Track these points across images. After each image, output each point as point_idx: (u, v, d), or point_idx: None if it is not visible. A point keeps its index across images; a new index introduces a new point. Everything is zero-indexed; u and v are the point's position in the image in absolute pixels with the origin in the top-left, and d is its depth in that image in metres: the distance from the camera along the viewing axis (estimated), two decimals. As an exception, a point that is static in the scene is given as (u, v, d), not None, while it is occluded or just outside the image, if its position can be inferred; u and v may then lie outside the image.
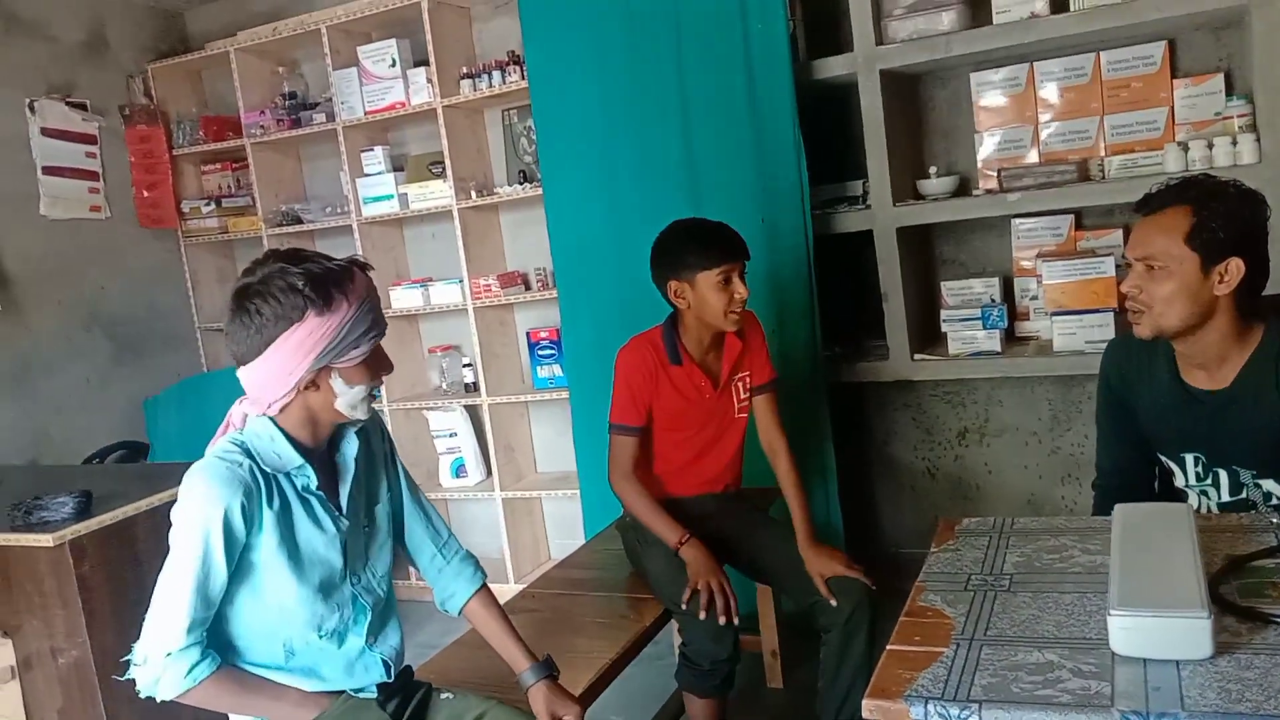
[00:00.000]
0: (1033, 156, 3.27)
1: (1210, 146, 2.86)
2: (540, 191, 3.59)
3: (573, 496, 3.77)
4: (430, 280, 4.01)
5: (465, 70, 3.78)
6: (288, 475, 1.63)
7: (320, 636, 1.68)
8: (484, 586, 1.96)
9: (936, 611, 1.51)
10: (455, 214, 3.82)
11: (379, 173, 3.96)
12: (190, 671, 1.54)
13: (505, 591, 3.08)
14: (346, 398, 1.63)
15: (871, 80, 3.14)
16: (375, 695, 1.73)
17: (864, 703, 1.30)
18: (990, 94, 3.31)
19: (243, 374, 1.60)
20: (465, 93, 3.75)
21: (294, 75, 4.21)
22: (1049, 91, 3.24)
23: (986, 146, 3.34)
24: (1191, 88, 3.05)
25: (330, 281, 1.56)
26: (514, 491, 3.98)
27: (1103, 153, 3.17)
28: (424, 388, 4.26)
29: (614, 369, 2.52)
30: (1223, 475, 1.89)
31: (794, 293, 3.20)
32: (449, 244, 3.94)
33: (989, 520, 1.84)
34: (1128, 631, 1.29)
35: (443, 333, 4.22)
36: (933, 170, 3.32)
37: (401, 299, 4.01)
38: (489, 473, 4.04)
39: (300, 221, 4.17)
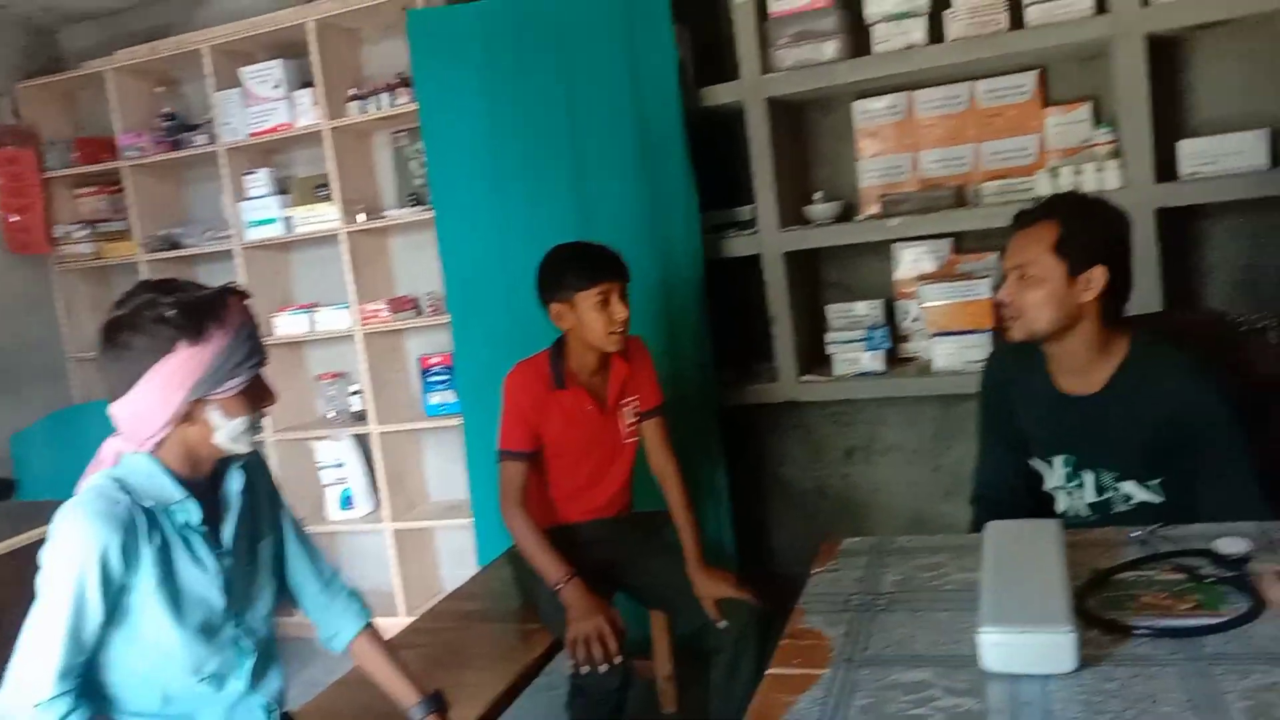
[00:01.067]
0: (913, 183, 3.36)
1: (1078, 172, 2.98)
2: (431, 215, 3.55)
3: (466, 526, 3.70)
4: (316, 306, 3.92)
5: (353, 92, 3.72)
6: (168, 511, 1.57)
7: (200, 681, 1.61)
8: (369, 624, 1.91)
9: (816, 634, 1.52)
10: (343, 237, 3.74)
11: (263, 196, 3.86)
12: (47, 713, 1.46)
13: (396, 625, 3.01)
14: (226, 430, 1.57)
15: (758, 107, 3.19)
16: None
17: (742, 729, 1.30)
18: (872, 121, 3.40)
19: (115, 409, 1.54)
20: (353, 115, 3.69)
21: (174, 96, 4.09)
22: (928, 119, 3.34)
23: (869, 173, 3.42)
24: (1061, 116, 3.18)
25: (202, 310, 1.51)
26: (405, 522, 3.90)
27: (979, 178, 3.27)
28: (310, 417, 4.15)
29: (501, 395, 2.50)
30: (1088, 477, 1.99)
31: (686, 317, 3.22)
32: (336, 268, 3.85)
33: (869, 540, 1.87)
34: (996, 648, 1.32)
35: (330, 360, 4.13)
36: (818, 196, 3.38)
37: (286, 325, 3.91)
38: (378, 504, 3.95)
39: (179, 246, 4.04)
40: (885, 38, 3.10)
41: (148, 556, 1.52)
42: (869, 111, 3.39)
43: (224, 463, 1.68)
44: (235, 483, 1.69)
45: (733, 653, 2.37)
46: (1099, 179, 2.94)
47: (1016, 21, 2.96)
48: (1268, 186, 2.78)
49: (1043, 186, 3.03)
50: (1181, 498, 1.90)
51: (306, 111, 3.74)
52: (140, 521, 1.52)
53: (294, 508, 1.89)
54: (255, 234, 3.88)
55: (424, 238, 3.77)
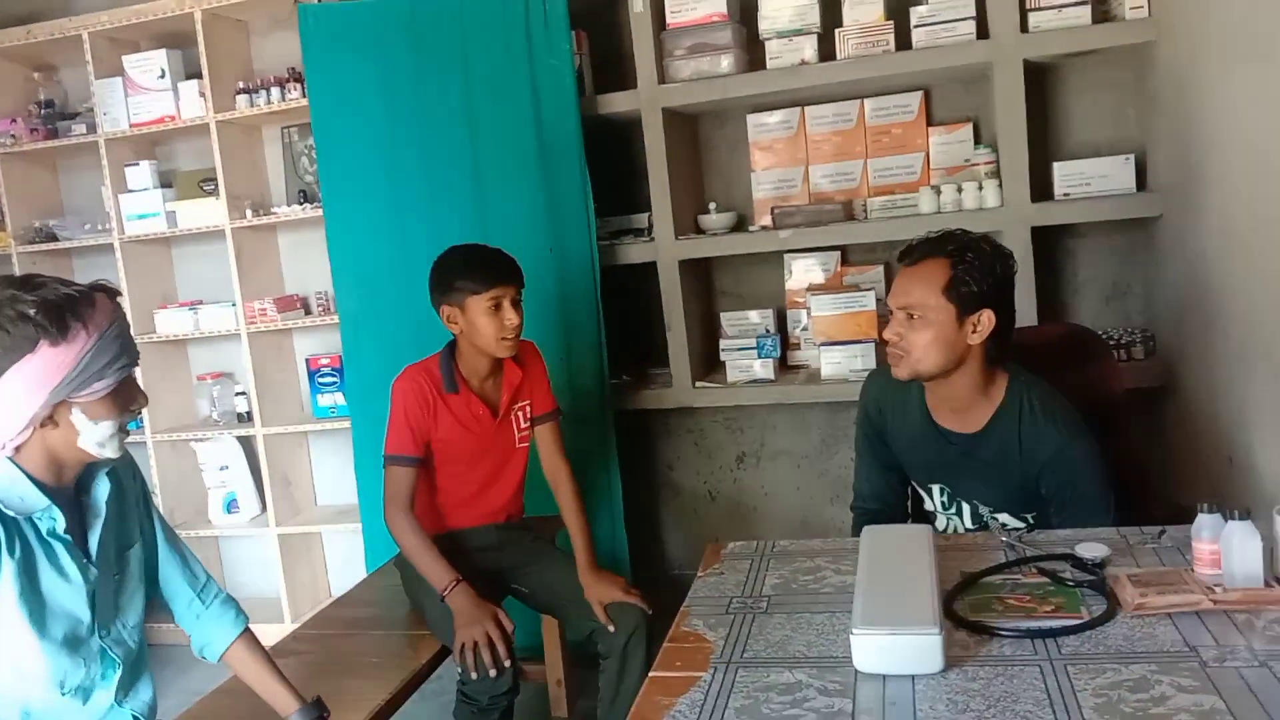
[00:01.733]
0: (803, 196, 3.44)
1: (960, 190, 3.09)
2: (321, 213, 3.49)
3: (355, 531, 3.64)
4: (200, 303, 3.81)
5: (242, 85, 3.63)
6: (30, 520, 1.50)
7: (64, 694, 1.55)
8: (245, 630, 1.86)
9: (698, 636, 1.55)
10: (229, 234, 3.65)
11: (145, 189, 3.73)
12: None
13: (282, 632, 2.94)
14: (91, 434, 1.51)
15: (655, 117, 3.23)
16: None
17: (622, 732, 1.32)
18: (765, 135, 3.47)
19: None
20: (241, 108, 3.61)
21: (51, 82, 3.92)
22: (819, 135, 3.42)
23: (762, 185, 3.49)
24: (944, 135, 3.30)
25: (67, 309, 1.45)
26: (291, 527, 3.81)
27: (866, 194, 3.37)
28: (191, 418, 4.03)
29: (390, 399, 2.47)
30: (965, 506, 2.05)
31: (582, 321, 3.23)
32: (221, 265, 3.75)
33: (752, 544, 1.91)
34: (867, 649, 1.37)
35: (213, 359, 4.01)
36: (712, 206, 3.44)
37: (168, 323, 3.79)
38: (264, 507, 3.85)
39: (55, 239, 3.88)
40: (778, 54, 3.17)
41: (8, 569, 1.46)
42: (762, 125, 3.47)
43: (90, 468, 1.61)
44: (102, 489, 1.62)
45: (620, 657, 2.38)
46: (979, 197, 3.06)
47: (904, 43, 3.07)
48: (1134, 208, 2.94)
49: (926, 203, 3.14)
50: (1049, 525, 1.97)
51: (193, 103, 3.63)
52: (0, 533, 1.46)
53: (174, 511, 1.83)
54: (136, 228, 3.75)
55: (314, 236, 3.70)
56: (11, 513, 1.48)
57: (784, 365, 3.44)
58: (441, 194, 3.25)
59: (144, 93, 3.66)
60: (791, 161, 3.45)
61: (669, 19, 3.23)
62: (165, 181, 3.81)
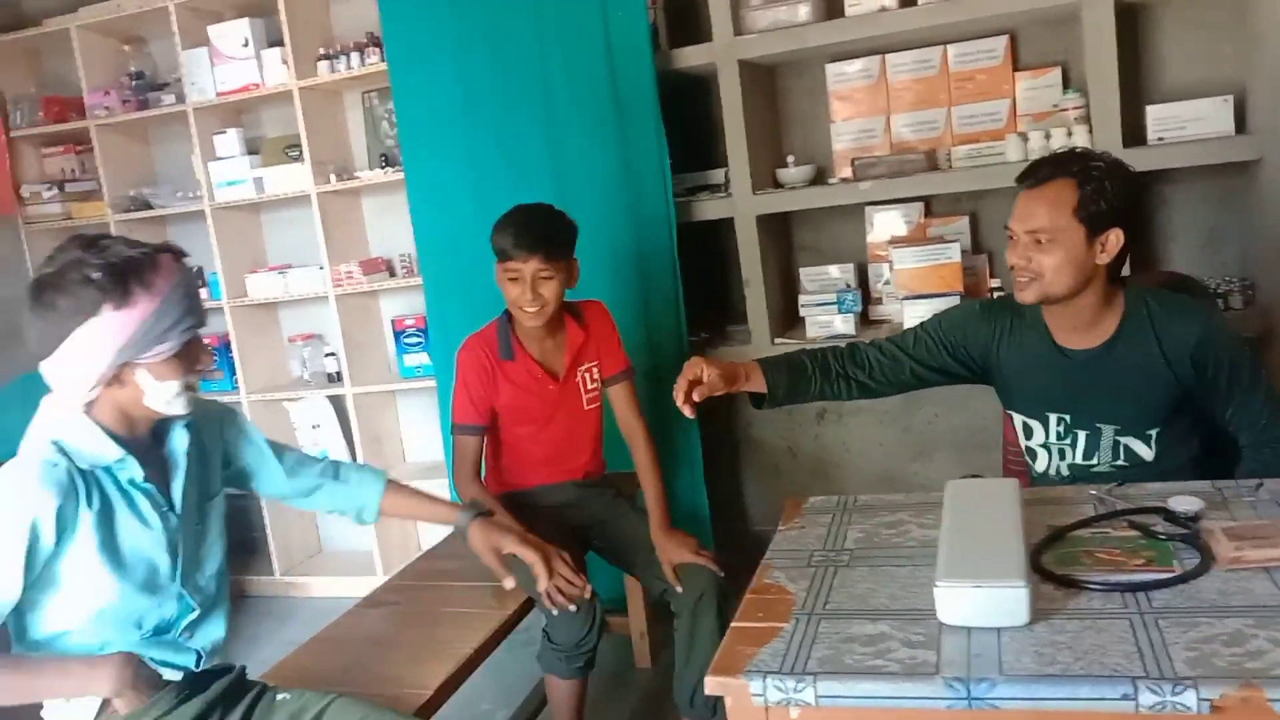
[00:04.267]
0: (885, 146, 3.37)
1: (1048, 137, 3.00)
2: (402, 176, 3.54)
3: (443, 486, 3.72)
4: (289, 267, 3.91)
5: (323, 51, 3.69)
6: (109, 470, 1.56)
7: (141, 634, 1.62)
8: (389, 480, 1.95)
9: (780, 588, 1.56)
10: (314, 198, 3.72)
11: (232, 156, 3.83)
12: None
13: (374, 584, 3.03)
14: (157, 394, 1.55)
15: (731, 70, 3.19)
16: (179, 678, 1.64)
17: (707, 679, 1.34)
18: (844, 85, 3.40)
19: (45, 368, 1.53)
20: (323, 74, 3.66)
21: (141, 54, 4.03)
22: (900, 83, 3.35)
23: (841, 136, 3.43)
24: (1031, 80, 3.20)
25: (129, 272, 1.48)
26: (381, 482, 3.91)
27: (950, 143, 3.29)
28: (284, 379, 4.15)
29: (455, 367, 2.51)
30: (1082, 436, 2.00)
31: (660, 279, 3.23)
32: (308, 230, 3.83)
33: (833, 499, 1.91)
34: (952, 602, 1.36)
35: (303, 321, 4.12)
36: (790, 159, 3.40)
37: (259, 287, 3.90)
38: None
39: (150, 207, 4.00)
40: (857, 0, 3.10)
41: (86, 521, 1.51)
42: (841, 75, 3.40)
43: (165, 422, 1.65)
44: (180, 441, 1.67)
45: (691, 617, 2.38)
46: (1069, 144, 2.96)
47: (988, -15, 2.97)
48: (1232, 151, 2.82)
49: (1013, 151, 3.05)
50: (1168, 450, 1.95)
51: (275, 71, 3.70)
52: (79, 485, 1.50)
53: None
54: (226, 195, 3.85)
55: (396, 199, 3.76)
56: (88, 465, 1.53)
57: (865, 320, 3.40)
58: (518, 154, 3.26)
59: (229, 61, 3.74)
60: (872, 111, 3.39)
61: (744, -31, 3.18)
62: (252, 149, 3.90)
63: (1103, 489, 1.75)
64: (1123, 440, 1.98)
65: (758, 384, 2.11)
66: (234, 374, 4.03)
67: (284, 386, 4.06)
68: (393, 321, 3.89)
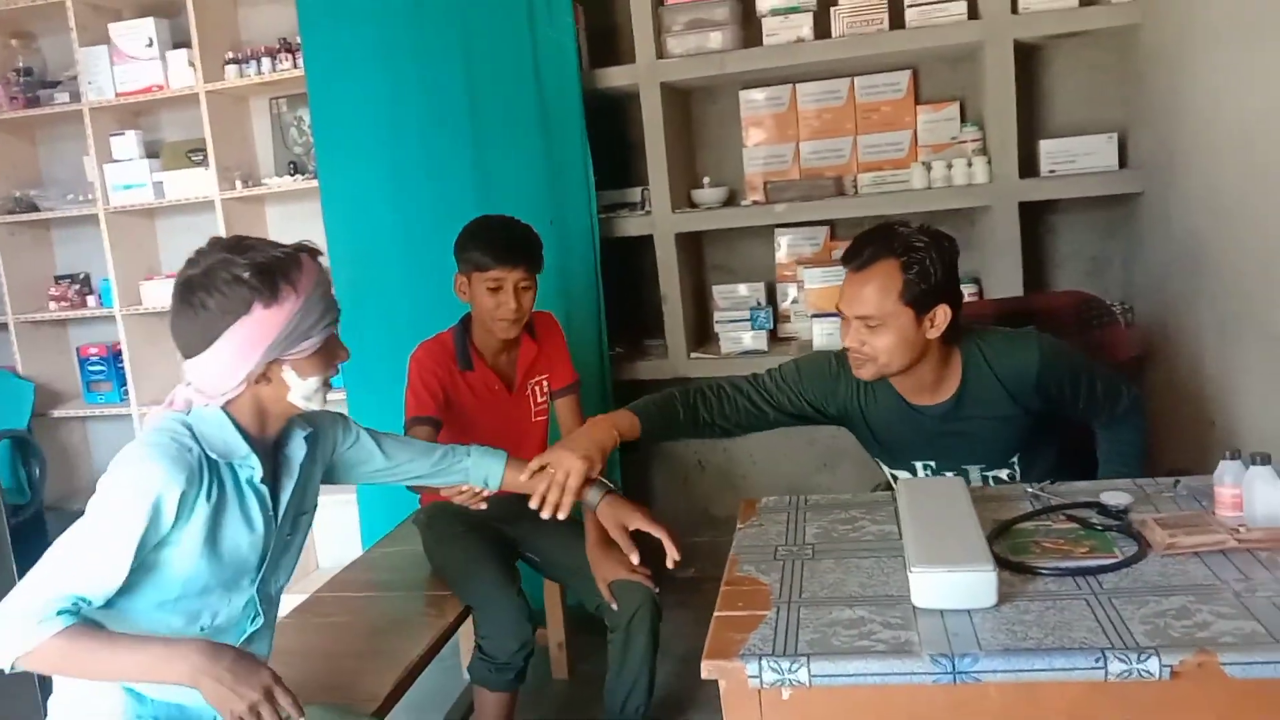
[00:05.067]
0: (794, 171, 3.52)
1: (949, 167, 3.20)
2: (311, 184, 3.50)
3: (344, 503, 3.66)
4: (188, 275, 3.78)
5: (231, 55, 3.61)
6: (231, 466, 1.56)
7: (201, 631, 1.58)
8: (507, 455, 1.99)
9: (753, 580, 1.62)
10: (218, 204, 3.63)
11: (130, 159, 3.70)
12: (41, 623, 1.41)
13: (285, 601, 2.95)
14: (300, 390, 1.57)
15: (653, 92, 3.28)
16: None
17: (703, 664, 1.38)
18: (757, 111, 3.54)
19: (190, 366, 1.53)
20: (231, 78, 3.58)
21: (29, 49, 3.85)
22: (809, 111, 3.50)
23: (753, 160, 3.56)
24: (932, 113, 3.40)
25: (277, 271, 1.50)
26: (281, 497, 3.81)
27: (855, 170, 3.46)
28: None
29: (407, 372, 2.50)
30: (950, 476, 2.07)
31: (582, 294, 3.28)
32: (208, 236, 3.70)
33: (785, 499, 1.99)
34: (926, 586, 1.45)
35: (202, 331, 3.98)
36: (706, 180, 3.50)
37: (154, 294, 3.76)
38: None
39: (36, 209, 3.81)
40: (775, 31, 3.25)
41: (201, 514, 1.51)
42: (754, 101, 3.54)
43: (289, 428, 1.67)
44: (298, 451, 1.68)
45: (625, 632, 2.42)
46: (969, 174, 3.17)
47: (897, 22, 3.15)
48: (1116, 185, 3.07)
49: (917, 179, 3.24)
50: (1031, 467, 2.09)
51: (181, 73, 3.59)
52: (204, 473, 1.51)
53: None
54: (121, 199, 3.71)
55: (302, 208, 3.70)
56: (215, 456, 1.53)
57: (774, 337, 3.52)
58: (441, 166, 3.27)
59: (130, 61, 3.62)
60: (783, 138, 3.53)
61: (667, -5, 3.29)
62: (151, 152, 3.77)
63: (1036, 486, 1.89)
64: (989, 473, 2.11)
65: (630, 434, 2.05)
66: (124, 385, 3.86)
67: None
68: (298, 333, 3.80)
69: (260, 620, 1.67)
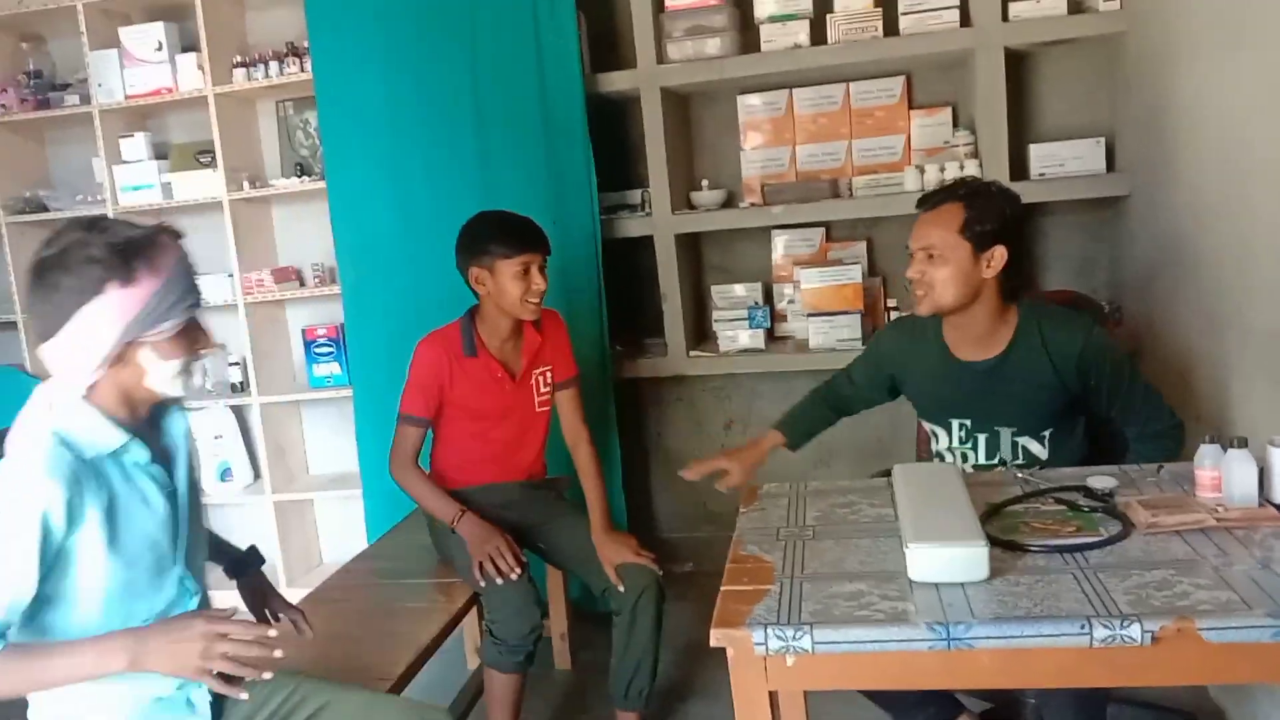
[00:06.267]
0: (790, 174, 3.60)
1: (942, 170, 3.28)
2: (317, 186, 3.57)
3: (348, 498, 3.73)
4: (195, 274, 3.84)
5: (239, 59, 3.68)
6: (114, 456, 1.55)
7: (142, 620, 1.59)
8: None
9: (757, 558, 1.70)
10: (226, 205, 3.69)
11: (139, 160, 3.76)
12: None
13: (291, 594, 3.03)
14: (159, 373, 1.56)
15: (653, 96, 3.37)
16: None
17: (712, 632, 1.46)
18: (754, 115, 3.62)
19: (45, 351, 1.52)
20: (239, 81, 3.65)
21: (39, 52, 3.91)
22: (805, 116, 3.59)
23: (751, 163, 3.65)
24: (925, 118, 3.49)
25: (133, 251, 1.49)
26: (286, 494, 3.88)
27: (850, 173, 3.55)
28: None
29: (410, 361, 2.57)
30: (982, 439, 2.22)
31: (584, 293, 3.36)
32: (216, 237, 3.78)
33: (785, 485, 2.08)
34: (922, 561, 1.53)
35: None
36: (704, 183, 3.59)
37: (163, 294, 3.81)
38: (256, 476, 3.92)
39: (46, 209, 3.87)
40: (772, 37, 3.33)
41: (95, 513, 1.50)
42: (752, 106, 3.62)
43: (161, 406, 1.66)
44: (179, 425, 1.69)
45: (630, 614, 2.52)
46: (960, 177, 3.24)
47: (891, 30, 3.24)
48: (1104, 188, 3.16)
49: (911, 182, 3.32)
50: (1060, 450, 2.18)
51: (190, 76, 3.66)
52: (86, 478, 1.49)
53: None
54: (131, 199, 3.77)
55: (309, 209, 3.78)
56: (92, 455, 1.52)
57: (770, 336, 3.60)
58: (446, 167, 3.34)
59: (140, 64, 3.69)
60: (779, 141, 3.62)
61: (667, 1, 3.36)
62: (159, 154, 3.83)
63: (1025, 472, 1.97)
64: (1020, 440, 2.21)
65: (776, 445, 2.51)
66: (131, 383, 3.91)
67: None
68: (304, 331, 3.87)
69: (200, 595, 1.68)
